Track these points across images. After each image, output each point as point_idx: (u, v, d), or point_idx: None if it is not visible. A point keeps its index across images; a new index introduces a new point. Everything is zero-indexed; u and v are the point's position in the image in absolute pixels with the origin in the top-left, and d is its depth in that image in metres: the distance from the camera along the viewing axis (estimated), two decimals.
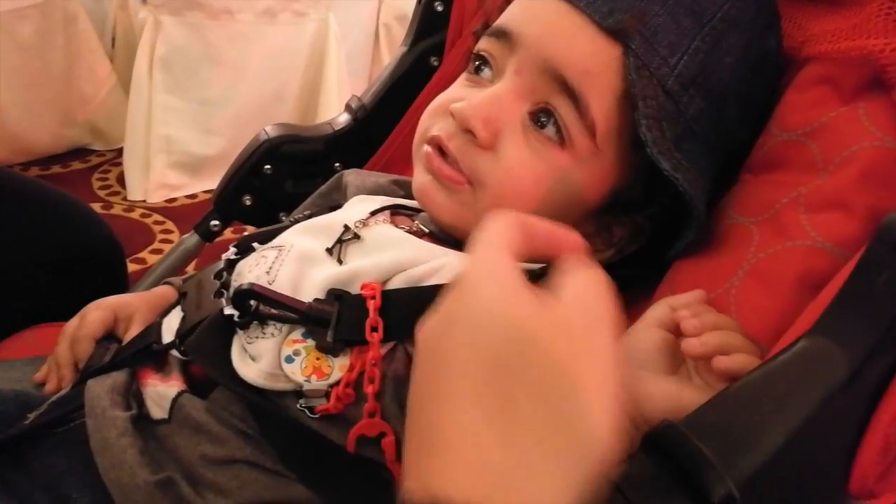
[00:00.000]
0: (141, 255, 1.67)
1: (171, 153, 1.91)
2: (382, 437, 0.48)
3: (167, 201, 1.90)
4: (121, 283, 0.76)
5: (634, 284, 0.57)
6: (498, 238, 0.33)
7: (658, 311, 0.46)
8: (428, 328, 0.32)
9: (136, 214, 1.85)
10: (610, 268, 0.56)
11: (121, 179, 1.95)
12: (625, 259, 0.55)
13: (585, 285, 0.32)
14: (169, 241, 1.74)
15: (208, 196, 1.70)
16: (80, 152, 2.07)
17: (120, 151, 1.98)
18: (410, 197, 0.60)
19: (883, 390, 0.35)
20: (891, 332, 0.35)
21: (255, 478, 0.48)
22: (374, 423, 0.48)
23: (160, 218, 1.83)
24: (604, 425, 0.29)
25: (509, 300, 0.30)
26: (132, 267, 1.49)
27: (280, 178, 0.75)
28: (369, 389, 0.48)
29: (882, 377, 0.35)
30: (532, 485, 0.27)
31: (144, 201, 1.89)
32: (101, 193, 1.92)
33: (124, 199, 1.89)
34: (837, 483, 0.36)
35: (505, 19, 0.53)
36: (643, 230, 0.54)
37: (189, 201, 1.92)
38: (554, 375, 0.29)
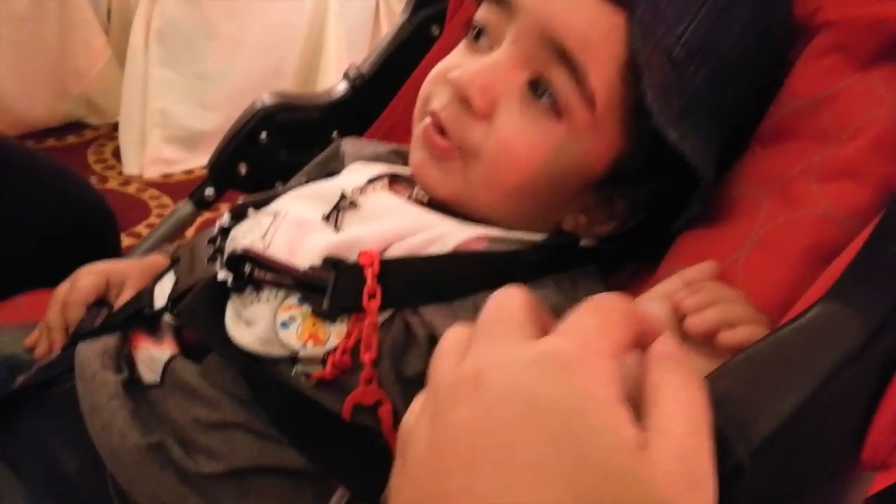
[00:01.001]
0: (136, 229, 1.66)
1: (167, 127, 1.89)
2: (379, 406, 0.47)
3: (163, 176, 1.88)
4: (114, 253, 0.75)
5: (638, 258, 0.56)
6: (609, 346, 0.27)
7: (669, 284, 0.44)
8: (493, 388, 0.25)
9: (131, 189, 1.83)
10: (611, 241, 0.56)
11: (116, 154, 1.93)
12: (627, 232, 0.54)
13: (689, 413, 0.26)
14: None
15: (205, 171, 1.69)
16: (75, 126, 2.05)
17: (115, 126, 1.95)
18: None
19: None
20: None
21: (249, 442, 0.47)
22: (370, 390, 0.47)
23: (156, 192, 1.82)
24: None
25: (615, 424, 0.24)
26: (127, 241, 1.47)
27: (275, 146, 0.74)
28: (366, 357, 0.47)
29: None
30: None
31: (140, 176, 1.87)
32: (97, 167, 1.90)
33: (120, 173, 1.88)
34: (849, 454, 0.35)
35: None
36: (646, 202, 0.53)
37: (185, 177, 1.90)
38: None
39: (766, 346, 0.36)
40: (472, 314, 0.48)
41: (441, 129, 0.50)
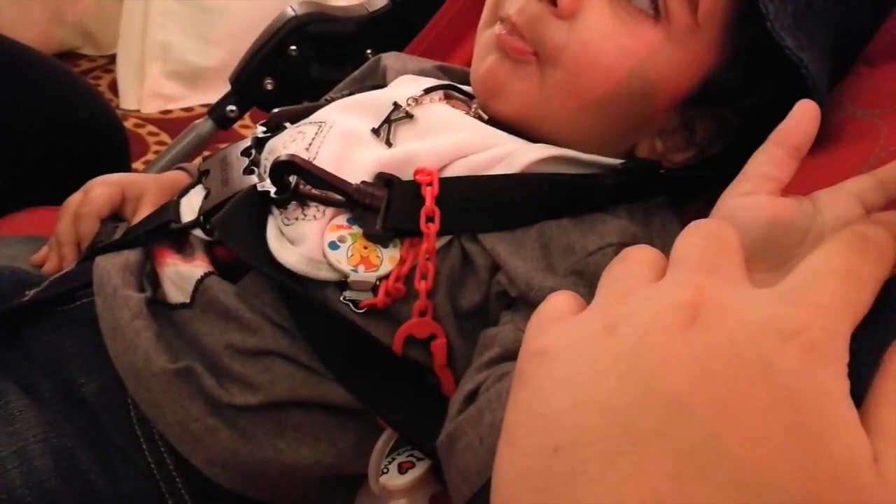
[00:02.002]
0: (134, 165, 1.59)
1: (168, 61, 1.81)
2: (432, 340, 0.43)
3: (162, 112, 1.81)
4: (124, 168, 0.69)
5: (710, 192, 0.52)
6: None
7: (860, 182, 0.34)
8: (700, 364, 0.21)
9: (129, 124, 1.75)
10: (686, 171, 0.51)
11: (113, 87, 1.85)
12: (702, 163, 0.49)
13: None
14: None
15: (205, 110, 1.63)
16: (70, 56, 1.96)
17: (112, 58, 1.87)
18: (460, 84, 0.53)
19: None
20: None
21: (290, 372, 0.42)
22: (424, 322, 0.43)
23: (154, 129, 1.75)
24: None
25: (851, 422, 0.21)
26: None
27: (305, 60, 0.68)
28: (421, 286, 0.42)
29: None
30: None
31: (138, 111, 1.80)
32: None
33: (117, 107, 1.80)
34: None
35: None
36: (730, 128, 0.48)
37: (185, 114, 1.83)
38: None
39: None
40: (538, 244, 0.44)
41: (517, 34, 0.45)
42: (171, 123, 1.77)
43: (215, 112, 0.72)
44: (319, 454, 0.43)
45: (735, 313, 0.22)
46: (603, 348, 0.22)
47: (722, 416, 0.20)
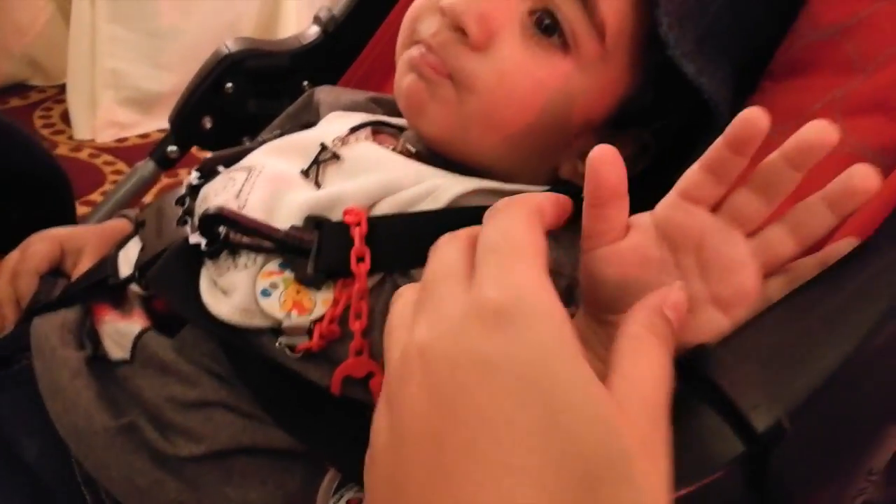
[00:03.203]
0: (91, 197, 1.58)
1: (120, 88, 1.79)
2: (370, 378, 0.44)
3: (117, 140, 1.79)
4: (68, 222, 0.69)
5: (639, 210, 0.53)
6: (534, 247, 0.26)
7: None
8: (438, 358, 0.24)
9: (83, 154, 1.74)
10: None
11: (65, 117, 1.83)
12: (631, 180, 0.51)
13: (654, 385, 0.26)
14: None
15: (162, 135, 1.62)
16: (19, 88, 1.93)
17: (62, 87, 1.85)
18: (392, 115, 0.54)
19: None
20: None
21: (232, 421, 0.43)
22: (361, 361, 0.44)
23: (110, 158, 1.73)
24: None
25: (581, 372, 0.23)
26: (81, 210, 1.39)
27: (243, 97, 0.68)
28: (356, 326, 0.43)
29: None
30: None
31: (93, 140, 1.78)
32: (45, 132, 1.80)
33: (70, 137, 1.78)
34: (889, 415, 0.33)
35: None
36: (650, 148, 0.49)
37: (141, 140, 1.81)
38: None
39: (805, 292, 0.33)
40: None
41: (432, 55, 0.46)
42: (127, 151, 1.75)
43: (157, 153, 0.72)
44: (268, 498, 0.44)
45: (446, 331, 0.24)
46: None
47: (468, 434, 0.22)
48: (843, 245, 0.33)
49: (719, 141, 0.33)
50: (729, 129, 0.32)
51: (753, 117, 0.31)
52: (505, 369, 0.23)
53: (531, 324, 0.24)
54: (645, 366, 0.26)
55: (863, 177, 0.31)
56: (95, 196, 1.58)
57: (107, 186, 1.62)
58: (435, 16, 0.46)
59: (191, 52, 1.79)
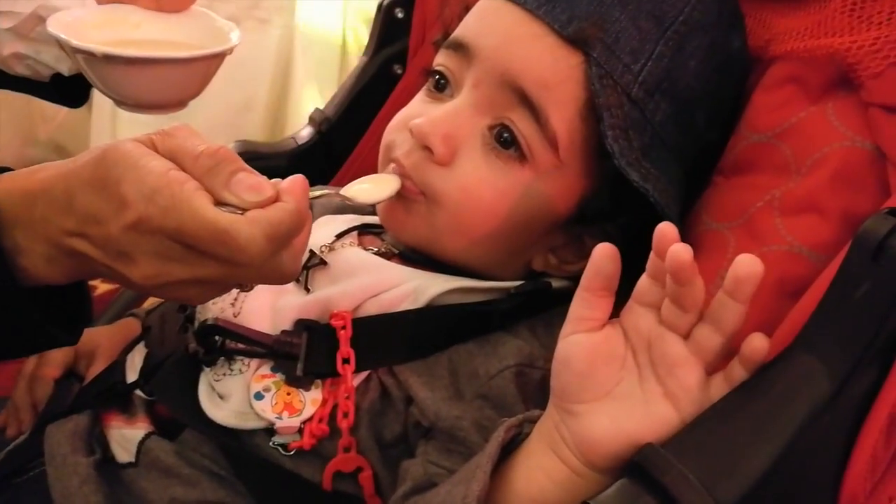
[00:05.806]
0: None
1: None
2: (359, 472, 0.47)
3: None
4: (86, 317, 0.73)
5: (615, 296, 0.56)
6: None
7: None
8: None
9: None
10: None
11: None
12: None
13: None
14: None
15: None
16: None
17: None
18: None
19: (868, 405, 0.34)
20: (873, 345, 0.34)
21: None
22: (349, 457, 0.47)
23: None
24: None
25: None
26: (102, 288, 1.44)
27: None
28: (343, 424, 0.46)
29: (866, 392, 0.34)
30: None
31: None
32: None
33: None
34: (826, 502, 0.35)
35: (462, 31, 0.51)
36: (614, 240, 0.52)
37: None
38: None
39: (737, 398, 0.36)
40: (447, 371, 0.49)
41: (405, 176, 0.50)
42: None
43: None
44: None
45: None
46: None
47: None
48: (757, 340, 0.36)
49: (652, 252, 0.37)
50: (653, 243, 0.36)
51: (664, 232, 0.36)
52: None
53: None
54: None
55: (745, 265, 0.34)
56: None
57: None
58: (407, 136, 0.50)
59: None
